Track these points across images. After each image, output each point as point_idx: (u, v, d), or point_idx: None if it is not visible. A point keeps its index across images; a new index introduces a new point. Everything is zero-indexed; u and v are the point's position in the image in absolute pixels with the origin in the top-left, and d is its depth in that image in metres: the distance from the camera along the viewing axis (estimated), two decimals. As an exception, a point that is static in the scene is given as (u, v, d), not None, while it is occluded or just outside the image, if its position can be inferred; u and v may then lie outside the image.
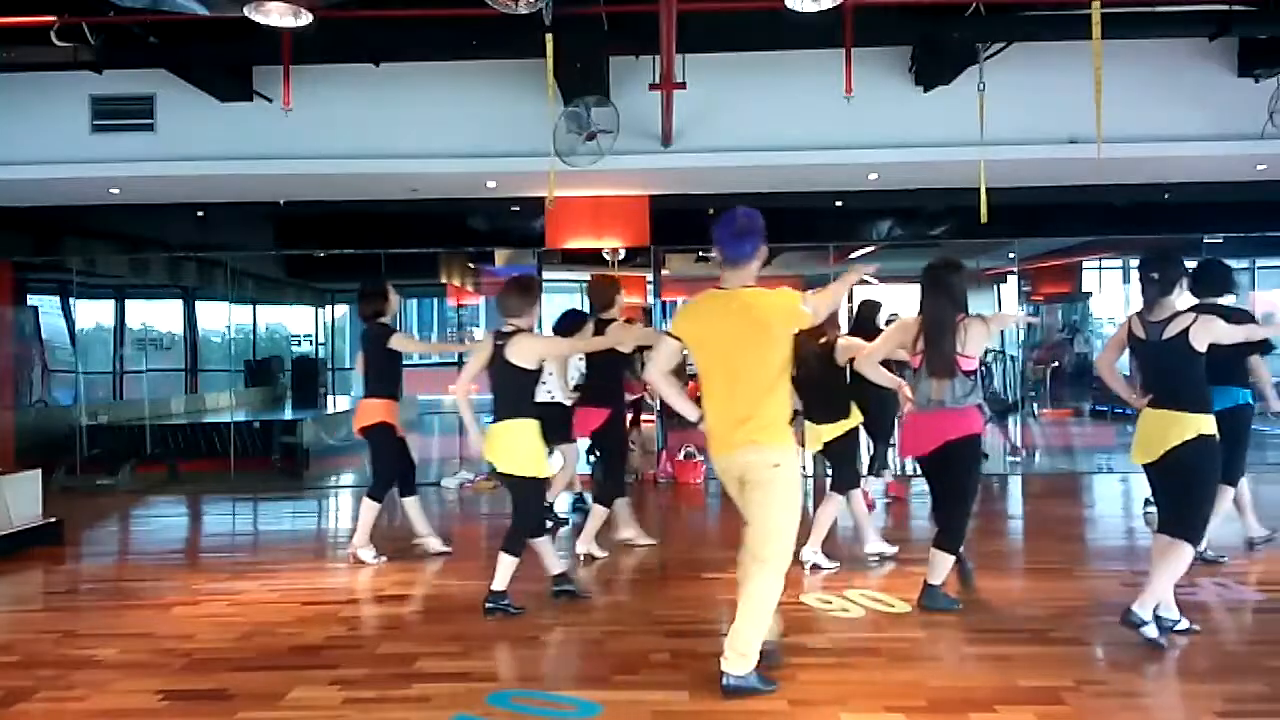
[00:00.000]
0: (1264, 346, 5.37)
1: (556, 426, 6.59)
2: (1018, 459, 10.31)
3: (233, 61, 7.77)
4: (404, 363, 6.33)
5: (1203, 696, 3.61)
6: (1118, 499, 8.75)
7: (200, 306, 14.97)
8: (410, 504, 6.29)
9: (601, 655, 4.24)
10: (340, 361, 16.11)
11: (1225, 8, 6.85)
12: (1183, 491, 4.17)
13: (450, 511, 8.62)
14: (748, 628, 3.65)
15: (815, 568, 5.58)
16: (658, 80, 7.23)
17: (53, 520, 6.88)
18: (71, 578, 6.19)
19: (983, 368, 5.48)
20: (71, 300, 11.99)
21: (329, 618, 4.91)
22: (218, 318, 15.18)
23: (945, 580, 4.77)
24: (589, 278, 7.26)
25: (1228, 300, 5.19)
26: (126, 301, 14.06)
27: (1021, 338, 15.46)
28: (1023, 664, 3.96)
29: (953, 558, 4.75)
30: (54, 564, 6.40)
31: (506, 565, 4.85)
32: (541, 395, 6.81)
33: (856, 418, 5.74)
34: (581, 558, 6.01)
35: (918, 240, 10.98)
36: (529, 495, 4.96)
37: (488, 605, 4.81)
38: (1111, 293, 14.37)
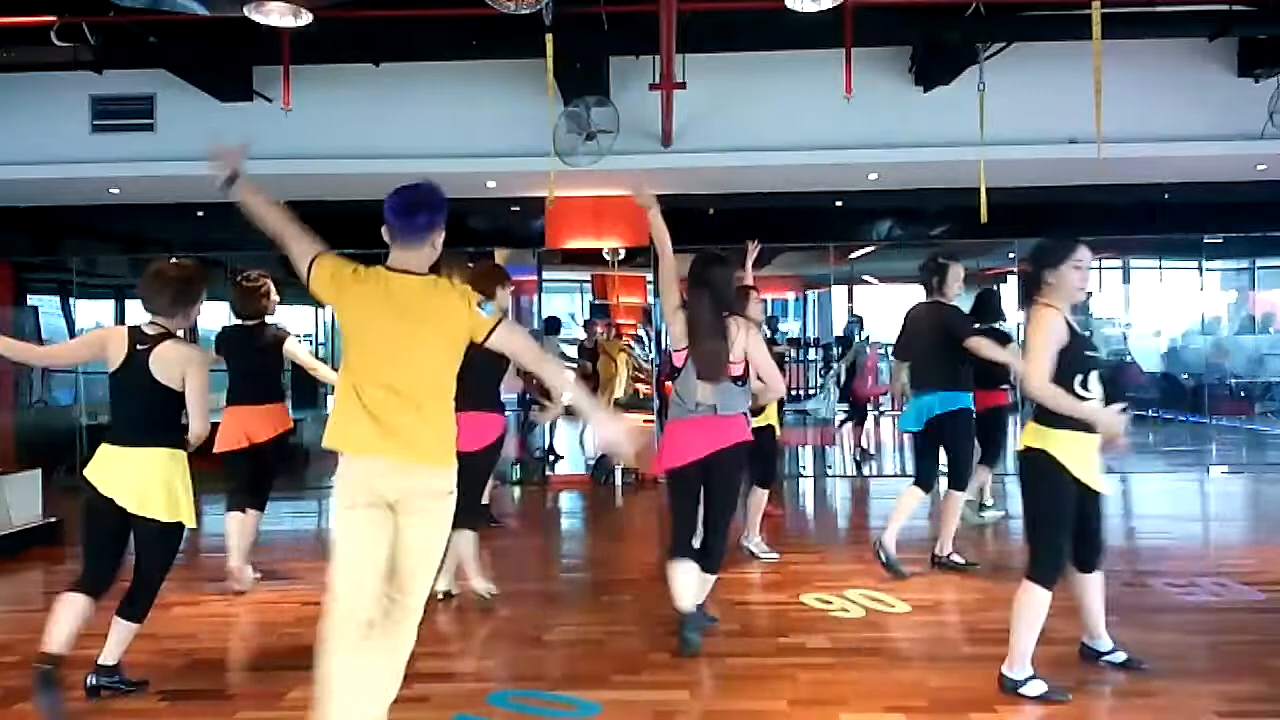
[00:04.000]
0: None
1: None
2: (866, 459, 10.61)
3: (233, 61, 7.77)
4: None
5: (1203, 696, 3.61)
6: (1118, 499, 8.74)
7: (200, 307, 14.95)
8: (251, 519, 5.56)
9: (601, 655, 4.24)
10: (340, 361, 16.10)
11: (1225, 8, 6.86)
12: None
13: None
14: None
15: (752, 555, 5.92)
16: (658, 80, 7.23)
17: (53, 520, 6.87)
18: (71, 578, 6.16)
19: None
20: (71, 300, 11.97)
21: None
22: (218, 318, 15.17)
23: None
24: (472, 265, 6.39)
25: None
26: (126, 301, 14.03)
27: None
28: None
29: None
30: (54, 564, 6.39)
31: (123, 633, 3.81)
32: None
33: (769, 417, 5.76)
34: (483, 595, 5.05)
35: (918, 240, 10.97)
36: (164, 547, 3.81)
37: (93, 682, 3.79)
38: (1111, 293, 14.33)
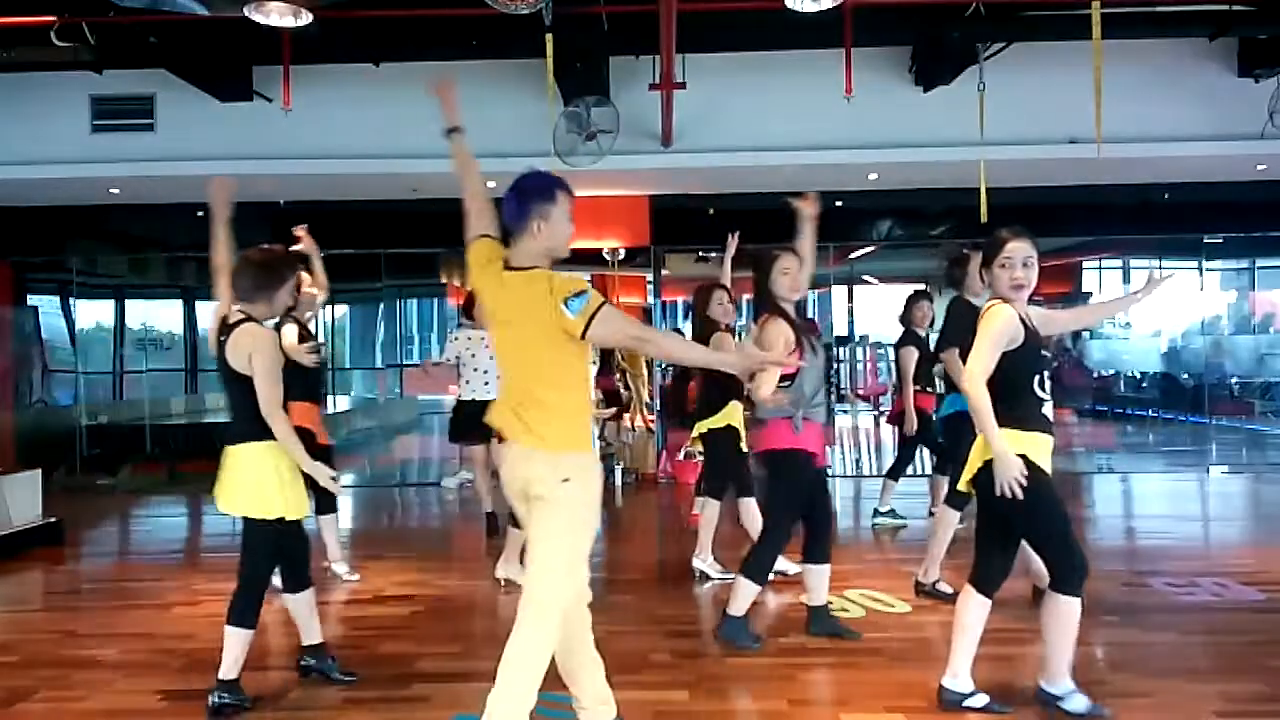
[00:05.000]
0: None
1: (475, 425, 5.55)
2: None
3: (233, 61, 7.77)
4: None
5: (1203, 697, 3.61)
6: (1117, 499, 8.75)
7: (200, 306, 14.95)
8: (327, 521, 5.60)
9: (601, 655, 4.23)
10: (340, 361, 16.10)
11: (1225, 8, 6.86)
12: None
13: (450, 512, 8.63)
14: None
15: (704, 576, 5.44)
16: (658, 80, 7.23)
17: (53, 520, 6.87)
18: (71, 578, 6.19)
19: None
20: (71, 300, 11.98)
21: (329, 618, 4.90)
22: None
23: (747, 611, 4.26)
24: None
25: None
26: (126, 301, 14.05)
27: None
28: (1023, 664, 3.95)
29: (756, 588, 4.24)
30: (54, 564, 6.40)
31: (239, 640, 3.65)
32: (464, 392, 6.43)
33: (729, 416, 5.28)
34: (502, 583, 5.30)
35: (918, 240, 10.98)
36: (259, 543, 3.70)
37: (218, 698, 3.58)
38: (1111, 292, 14.34)
